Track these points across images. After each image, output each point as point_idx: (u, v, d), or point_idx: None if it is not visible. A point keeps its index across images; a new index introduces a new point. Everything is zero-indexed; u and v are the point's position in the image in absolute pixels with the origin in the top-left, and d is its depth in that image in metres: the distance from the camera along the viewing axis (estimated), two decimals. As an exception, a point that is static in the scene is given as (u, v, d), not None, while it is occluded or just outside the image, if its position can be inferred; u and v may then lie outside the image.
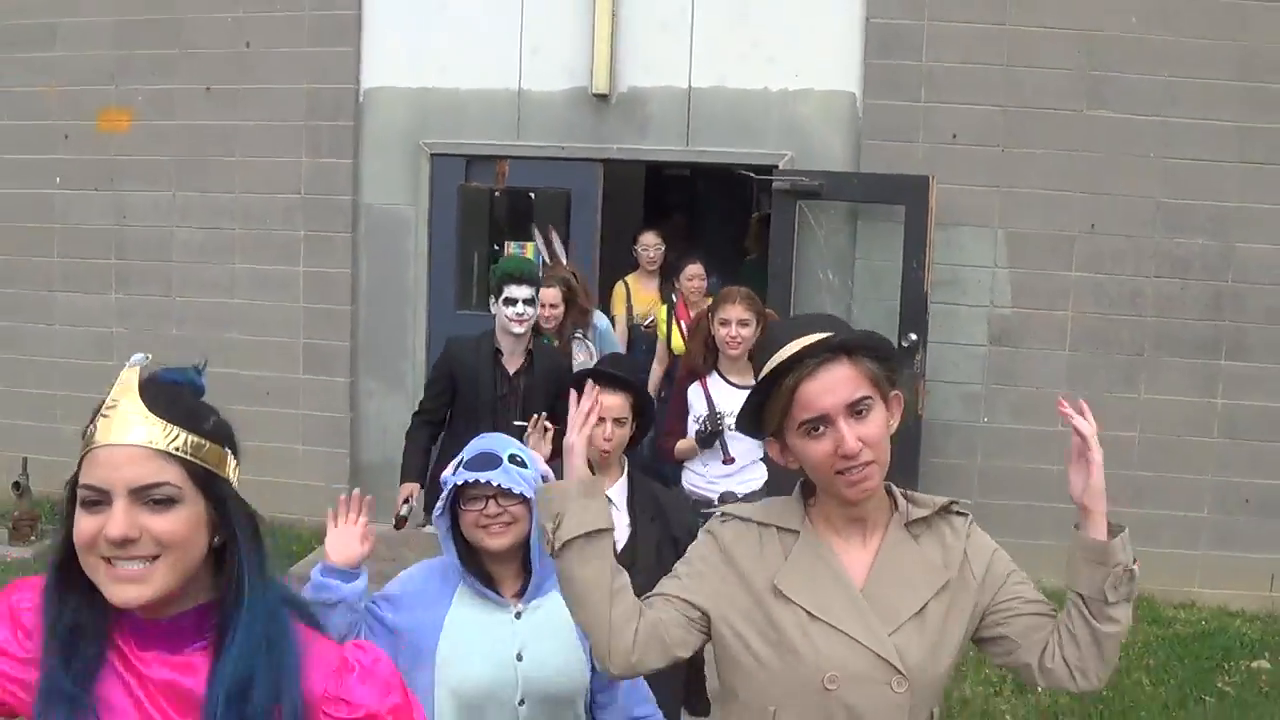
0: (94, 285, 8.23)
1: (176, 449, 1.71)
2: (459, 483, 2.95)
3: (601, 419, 4.00)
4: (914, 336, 6.95)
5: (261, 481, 7.36)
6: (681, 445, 5.64)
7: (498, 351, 5.67)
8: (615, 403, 4.08)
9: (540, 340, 5.94)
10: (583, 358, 6.49)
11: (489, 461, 2.97)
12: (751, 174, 7.73)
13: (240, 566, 1.76)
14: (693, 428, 5.55)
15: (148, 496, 1.68)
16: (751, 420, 2.39)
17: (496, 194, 7.88)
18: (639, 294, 7.70)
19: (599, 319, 6.88)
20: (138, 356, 1.78)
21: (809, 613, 2.29)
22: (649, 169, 9.57)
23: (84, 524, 1.68)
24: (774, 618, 2.32)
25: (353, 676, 1.81)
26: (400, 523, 5.35)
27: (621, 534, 3.99)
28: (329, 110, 7.76)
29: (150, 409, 1.71)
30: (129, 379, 1.74)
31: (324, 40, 7.76)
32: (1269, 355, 7.06)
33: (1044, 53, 7.01)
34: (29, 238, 8.31)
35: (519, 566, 3.04)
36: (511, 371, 5.64)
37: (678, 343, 6.98)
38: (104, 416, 1.72)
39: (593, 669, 3.00)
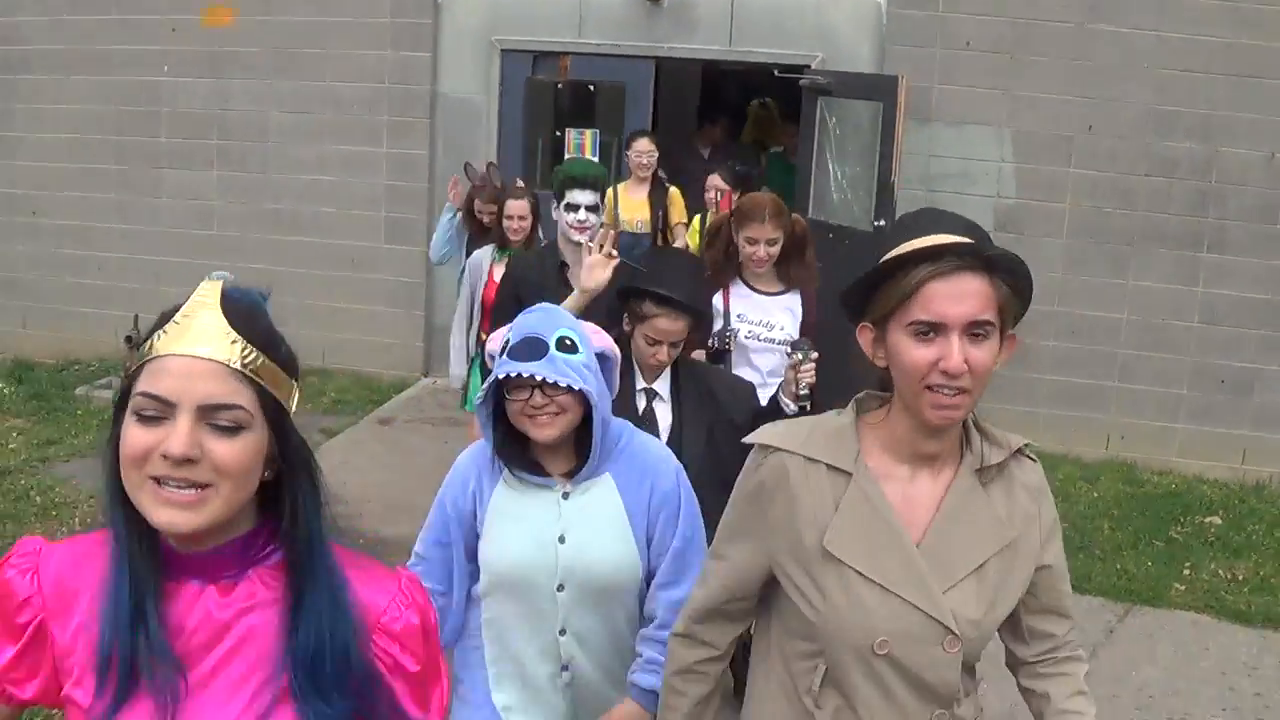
0: (197, 163, 9.78)
1: (253, 371, 1.67)
2: (500, 376, 2.93)
3: (658, 340, 4.07)
4: (881, 223, 8.01)
5: (346, 339, 8.89)
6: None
7: (563, 265, 5.44)
8: (675, 328, 4.09)
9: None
10: None
11: (535, 349, 2.93)
12: (788, 73, 9.03)
13: (303, 510, 1.75)
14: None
15: (215, 418, 1.64)
16: (857, 298, 2.30)
17: (559, 86, 9.35)
18: (627, 200, 8.10)
19: None
20: (220, 272, 1.75)
21: (859, 572, 2.26)
22: (705, 72, 10.98)
23: (137, 436, 1.63)
24: (821, 578, 2.29)
25: (410, 615, 1.82)
26: None
27: (665, 424, 4.13)
28: (411, 8, 9.24)
29: (231, 323, 1.67)
30: (210, 291, 1.70)
31: (409, -54, 9.27)
32: (1246, 250, 8.33)
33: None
34: (139, 120, 9.86)
35: (571, 448, 3.05)
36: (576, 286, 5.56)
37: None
38: (176, 324, 1.68)
39: (649, 563, 3.08)
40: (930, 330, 2.15)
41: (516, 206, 6.72)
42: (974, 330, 2.14)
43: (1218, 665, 5.81)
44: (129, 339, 9.10)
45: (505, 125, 9.24)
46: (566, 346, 2.96)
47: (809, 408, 4.16)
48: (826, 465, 2.31)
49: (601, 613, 3.07)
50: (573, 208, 5.38)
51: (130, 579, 1.67)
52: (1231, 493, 8.19)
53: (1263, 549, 7.19)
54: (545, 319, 3.04)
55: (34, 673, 1.75)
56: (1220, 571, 6.82)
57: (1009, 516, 2.32)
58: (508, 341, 3.00)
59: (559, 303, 4.50)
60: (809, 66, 8.62)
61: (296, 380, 1.78)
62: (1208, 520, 7.62)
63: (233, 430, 1.64)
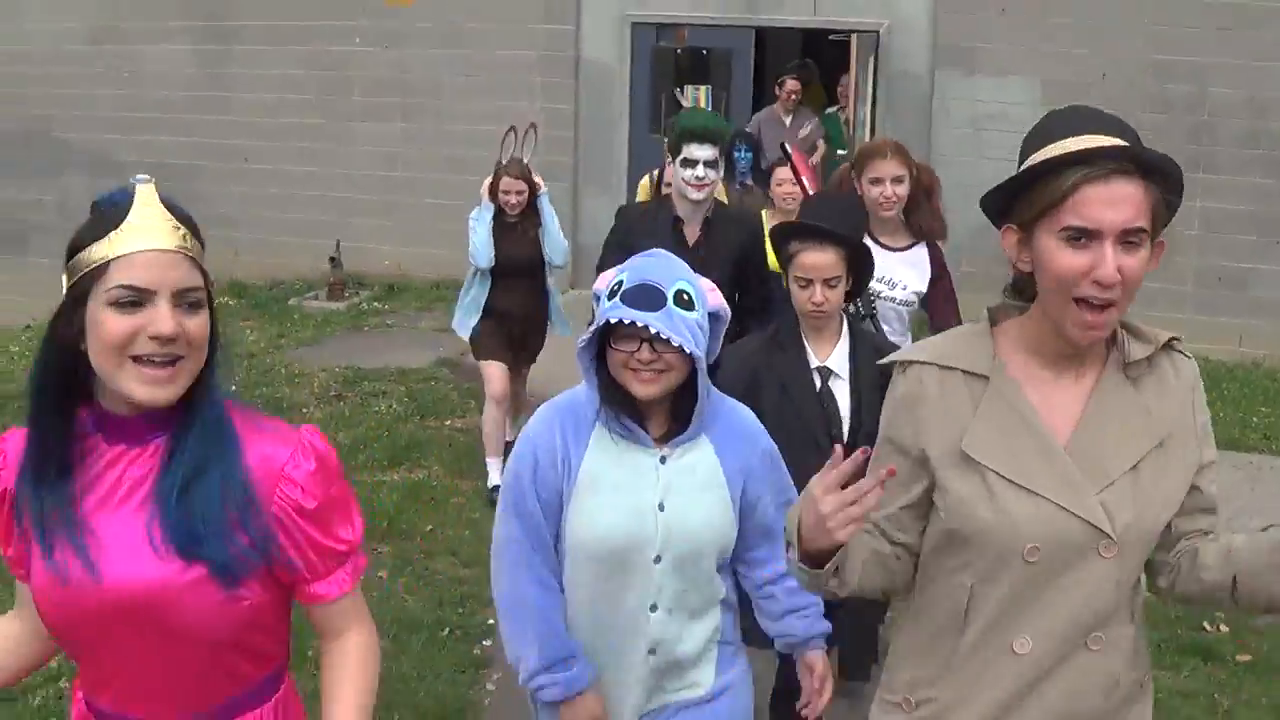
0: (382, 117, 13.56)
1: (197, 255, 2.28)
2: (611, 320, 3.02)
3: (809, 280, 4.19)
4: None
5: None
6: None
7: (677, 220, 5.80)
8: (825, 260, 4.18)
9: (720, 204, 6.29)
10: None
11: (652, 298, 3.03)
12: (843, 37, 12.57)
13: (210, 372, 2.34)
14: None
15: (186, 299, 2.24)
16: (1000, 201, 2.45)
17: (678, 51, 12.98)
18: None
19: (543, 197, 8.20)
20: (143, 176, 2.32)
21: (1002, 476, 2.40)
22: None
23: (120, 323, 2.19)
24: (963, 484, 2.44)
25: (307, 462, 2.39)
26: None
27: (844, 405, 4.27)
28: None
29: (175, 218, 2.27)
30: (148, 194, 2.28)
31: (555, -63, 12.92)
32: (1234, 170, 11.60)
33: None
34: (334, 83, 13.66)
35: (667, 409, 3.19)
36: (691, 242, 5.75)
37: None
38: (131, 224, 2.23)
39: (740, 526, 3.24)
40: (1083, 236, 2.27)
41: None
42: (1128, 238, 2.27)
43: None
44: (332, 259, 12.83)
45: (635, 85, 12.87)
46: (684, 301, 3.06)
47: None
48: (963, 371, 2.47)
49: (688, 581, 3.22)
50: (690, 163, 5.63)
51: (44, 449, 2.29)
52: (1233, 369, 11.49)
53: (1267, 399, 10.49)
54: (664, 266, 3.15)
55: (9, 532, 2.42)
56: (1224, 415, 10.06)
57: (1161, 413, 2.46)
58: (620, 284, 3.10)
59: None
60: (877, 33, 12.15)
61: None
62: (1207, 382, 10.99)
63: (197, 307, 2.25)
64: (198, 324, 2.25)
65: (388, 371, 10.51)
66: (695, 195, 5.69)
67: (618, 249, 5.43)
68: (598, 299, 3.20)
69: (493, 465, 7.81)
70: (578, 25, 13.02)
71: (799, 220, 4.51)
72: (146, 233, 2.22)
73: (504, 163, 8.12)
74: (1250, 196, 11.63)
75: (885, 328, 5.31)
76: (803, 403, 4.24)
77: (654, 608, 3.19)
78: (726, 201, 7.94)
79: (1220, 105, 11.61)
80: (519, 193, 7.94)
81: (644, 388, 3.08)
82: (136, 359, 2.21)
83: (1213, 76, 11.57)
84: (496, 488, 6.15)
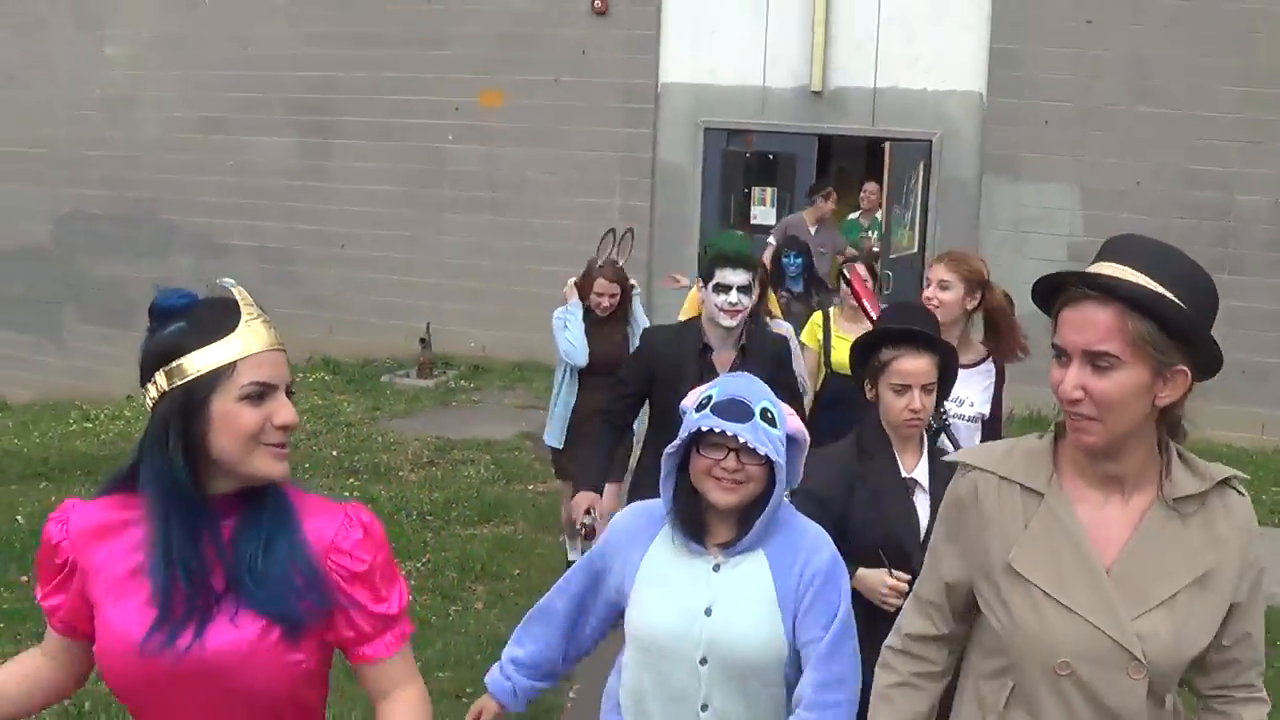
0: (471, 210, 15.11)
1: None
2: (703, 428, 3.34)
3: (906, 386, 4.28)
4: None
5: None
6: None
7: (706, 347, 5.82)
8: (922, 366, 4.29)
9: (756, 324, 6.33)
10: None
11: (740, 412, 3.33)
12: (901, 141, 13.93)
13: None
14: None
15: (290, 390, 2.67)
16: (1045, 300, 2.71)
17: (747, 155, 14.46)
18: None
19: (640, 318, 8.20)
20: (228, 280, 2.69)
21: (1044, 591, 2.65)
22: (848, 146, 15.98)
23: (252, 415, 2.58)
24: (1008, 594, 2.70)
25: (355, 532, 2.70)
26: (589, 532, 6.44)
27: (924, 518, 4.27)
28: (638, 96, 14.52)
29: (266, 320, 2.66)
30: (245, 297, 2.65)
31: (635, 50, 14.49)
32: (1258, 272, 12.96)
33: (1106, 67, 13.09)
34: (427, 176, 15.27)
35: (735, 519, 3.45)
36: (723, 371, 5.61)
37: (842, 354, 7.17)
38: (257, 324, 2.62)
39: (793, 643, 3.42)
40: (1061, 354, 2.59)
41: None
42: (1096, 360, 2.53)
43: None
44: (422, 340, 14.19)
45: (706, 185, 14.44)
46: (768, 419, 3.34)
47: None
48: (1020, 485, 2.73)
49: (745, 692, 3.41)
50: (723, 288, 5.66)
51: (184, 531, 2.59)
52: (1254, 455, 12.66)
53: (1264, 479, 11.63)
54: (750, 386, 3.45)
55: (68, 600, 2.74)
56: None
57: (1205, 549, 2.65)
58: (709, 398, 3.39)
59: (695, 384, 4.17)
60: (930, 141, 13.53)
61: None
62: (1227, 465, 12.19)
63: (291, 397, 2.67)
64: (295, 412, 2.66)
65: (475, 442, 11.94)
66: (728, 322, 5.72)
67: (640, 371, 5.93)
68: (683, 413, 3.49)
69: (571, 547, 8.51)
70: (655, 129, 14.62)
71: (885, 326, 4.54)
72: (263, 334, 2.62)
73: (599, 264, 8.21)
74: (1273, 296, 12.99)
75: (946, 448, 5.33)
76: (895, 513, 4.30)
77: (705, 707, 3.42)
78: (776, 310, 8.55)
79: (1246, 211, 13.01)
80: (611, 295, 8.00)
81: (724, 496, 3.36)
82: (262, 444, 2.60)
83: (1240, 185, 12.99)
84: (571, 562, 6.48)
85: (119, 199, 16.94)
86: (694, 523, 3.45)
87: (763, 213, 14.80)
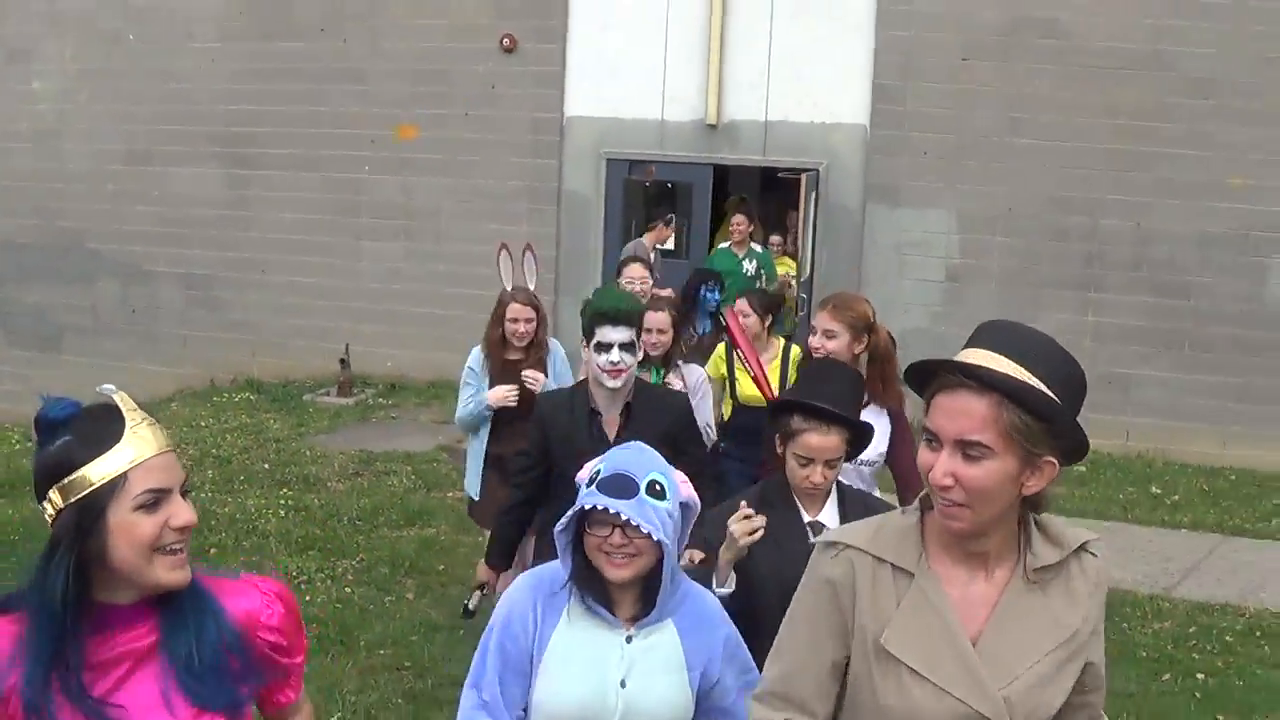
0: (387, 237, 16.05)
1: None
2: (586, 506, 3.42)
3: (810, 460, 4.36)
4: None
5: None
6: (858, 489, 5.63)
7: (594, 411, 5.72)
8: (829, 444, 4.35)
9: (640, 383, 5.99)
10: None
11: (625, 487, 3.41)
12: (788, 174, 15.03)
13: None
14: None
15: (184, 490, 2.68)
16: (919, 382, 2.79)
17: (647, 185, 15.54)
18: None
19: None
20: (109, 386, 2.73)
21: (916, 671, 2.72)
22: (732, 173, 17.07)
23: (148, 525, 2.59)
24: (879, 675, 2.76)
25: (277, 607, 2.87)
26: (467, 614, 6.17)
27: None
28: (544, 129, 15.50)
29: (149, 421, 2.69)
30: (125, 400, 2.68)
31: (541, 85, 15.47)
32: (1121, 290, 14.06)
33: (980, 102, 14.21)
34: (345, 205, 16.19)
35: (639, 591, 3.55)
36: (611, 436, 5.59)
37: (747, 388, 7.79)
38: (142, 431, 2.64)
39: (698, 702, 3.59)
40: (933, 439, 2.65)
41: (657, 319, 7.22)
42: (967, 450, 2.59)
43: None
44: (342, 361, 15.11)
45: (609, 212, 15.43)
46: (656, 491, 3.43)
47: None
48: (892, 565, 2.79)
49: None
50: (604, 347, 5.55)
51: (56, 647, 2.59)
52: (1117, 459, 13.72)
53: (1134, 482, 12.84)
54: (640, 459, 3.53)
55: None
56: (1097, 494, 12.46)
57: (1065, 615, 2.78)
58: (598, 473, 3.48)
59: (589, 452, 4.29)
60: (816, 171, 14.62)
61: None
62: (1084, 469, 13.30)
63: (185, 493, 2.69)
64: (191, 511, 2.68)
65: (396, 454, 12.79)
66: (612, 383, 5.61)
67: (538, 443, 5.72)
68: (578, 487, 3.54)
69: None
70: (560, 160, 15.61)
71: (801, 395, 4.50)
72: (150, 438, 2.63)
73: (508, 289, 7.85)
74: (1135, 313, 14.11)
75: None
76: (798, 559, 3.98)
77: None
78: (684, 347, 8.08)
79: (1110, 235, 14.13)
80: (528, 320, 7.59)
81: (616, 571, 3.43)
82: (160, 550, 2.62)
83: (1104, 211, 14.09)
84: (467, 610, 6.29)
85: (46, 228, 17.68)
86: (602, 594, 3.53)
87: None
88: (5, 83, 17.81)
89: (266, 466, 12.36)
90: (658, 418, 5.67)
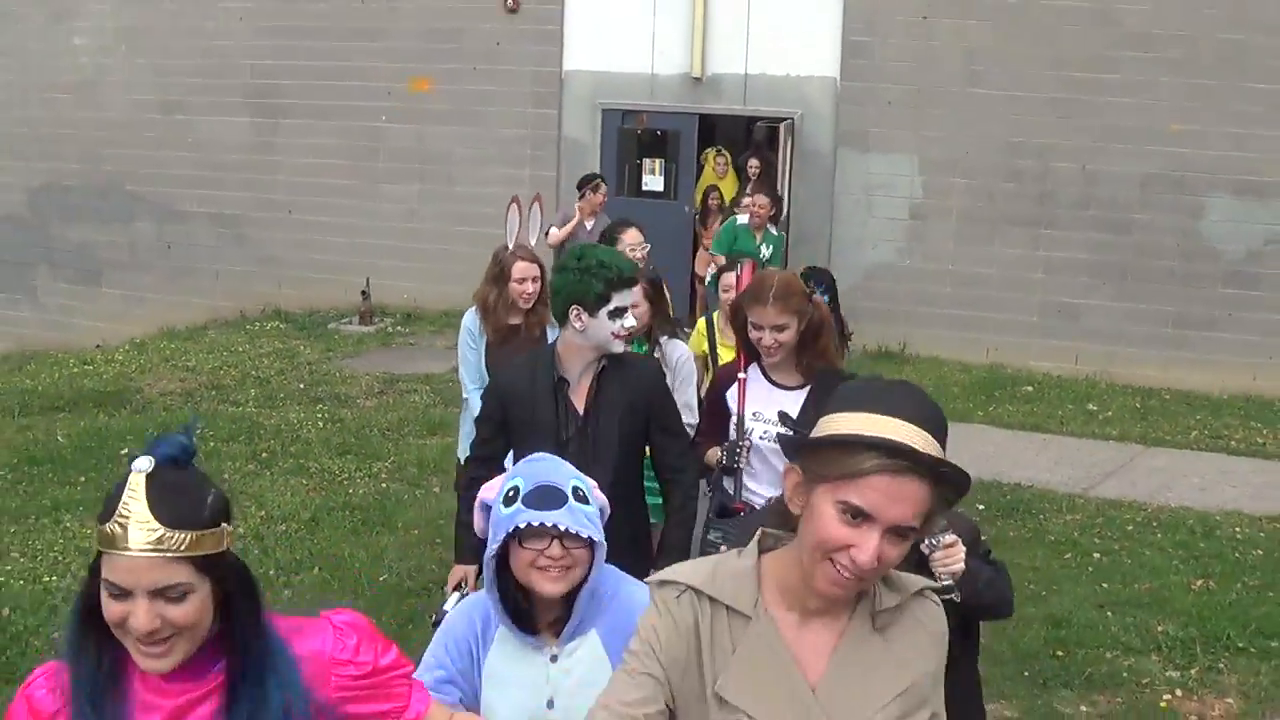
0: (403, 180, 17.79)
1: (184, 551, 2.49)
2: (521, 524, 3.33)
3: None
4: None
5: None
6: (709, 456, 5.74)
7: (562, 380, 5.32)
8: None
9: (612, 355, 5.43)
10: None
11: (553, 498, 3.35)
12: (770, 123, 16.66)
13: (239, 619, 2.61)
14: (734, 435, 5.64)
15: (165, 594, 2.48)
16: (808, 449, 2.60)
17: (639, 132, 17.22)
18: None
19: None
20: (142, 463, 2.52)
21: (751, 718, 2.61)
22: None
23: (112, 608, 2.48)
24: None
25: (350, 640, 2.76)
26: (439, 619, 4.63)
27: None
28: (545, 82, 17.18)
29: (158, 518, 2.47)
30: (137, 486, 2.50)
31: (542, 42, 17.15)
32: (1069, 227, 15.59)
33: (940, 55, 15.76)
34: (365, 151, 17.92)
35: (562, 601, 3.47)
36: (580, 406, 5.32)
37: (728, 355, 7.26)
38: (118, 523, 2.48)
39: None
40: (857, 516, 2.46)
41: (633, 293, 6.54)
42: (898, 532, 2.48)
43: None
44: (364, 293, 16.96)
45: (604, 158, 17.08)
46: (580, 496, 3.41)
47: (957, 599, 3.91)
48: (727, 608, 2.66)
49: None
50: (621, 312, 5.18)
51: (91, 701, 2.57)
52: (1065, 381, 15.26)
53: (1073, 400, 14.48)
54: (555, 468, 3.49)
55: None
56: (1039, 410, 14.12)
57: (907, 660, 2.68)
58: (516, 490, 3.41)
59: (552, 430, 4.89)
60: (792, 119, 16.27)
61: (226, 520, 2.60)
62: (1031, 389, 14.94)
63: (179, 598, 2.49)
64: (183, 611, 2.51)
65: (415, 376, 14.48)
66: (620, 347, 5.29)
67: (494, 416, 5.36)
68: (487, 508, 3.52)
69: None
70: (560, 110, 17.31)
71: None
72: (126, 536, 2.48)
73: (509, 247, 7.52)
74: (1083, 247, 15.68)
75: (776, 464, 5.27)
76: None
77: None
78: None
79: (1060, 177, 15.67)
80: (534, 279, 7.21)
81: (553, 585, 3.37)
82: (132, 638, 2.53)
83: (1053, 155, 15.62)
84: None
85: (89, 172, 19.46)
86: (525, 617, 3.51)
87: (652, 180, 17.35)
88: (49, 39, 19.55)
89: (301, 386, 14.06)
90: (631, 386, 5.33)
